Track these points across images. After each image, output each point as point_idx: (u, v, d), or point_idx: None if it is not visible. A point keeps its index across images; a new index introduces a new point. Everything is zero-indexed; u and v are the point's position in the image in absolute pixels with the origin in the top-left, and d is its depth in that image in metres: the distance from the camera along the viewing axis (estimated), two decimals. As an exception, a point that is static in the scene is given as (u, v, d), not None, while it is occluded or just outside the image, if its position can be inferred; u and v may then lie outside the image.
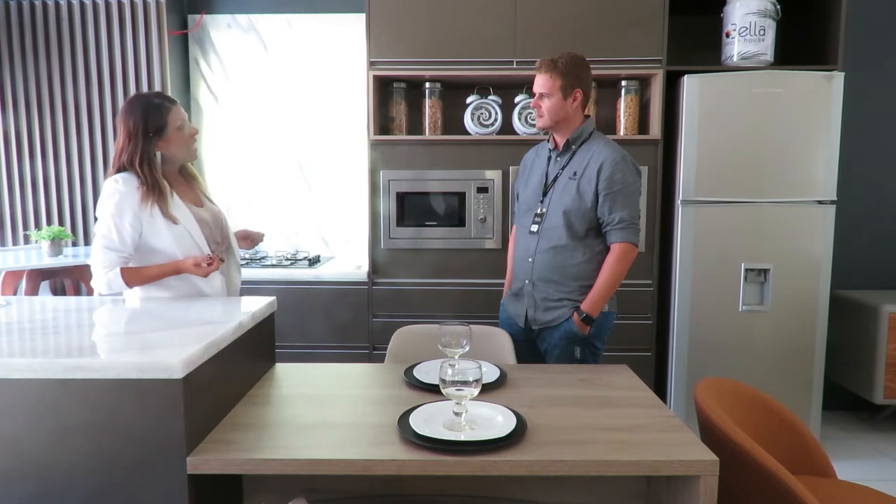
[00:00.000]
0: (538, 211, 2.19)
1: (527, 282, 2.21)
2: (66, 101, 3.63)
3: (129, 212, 1.87)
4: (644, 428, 1.43)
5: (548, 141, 2.27)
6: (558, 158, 2.21)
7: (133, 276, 1.90)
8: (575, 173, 2.13)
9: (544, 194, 2.19)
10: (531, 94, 2.20)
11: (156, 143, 1.92)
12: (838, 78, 2.87)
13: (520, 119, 3.08)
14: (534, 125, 3.03)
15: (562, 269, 2.14)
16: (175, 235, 1.93)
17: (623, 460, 1.27)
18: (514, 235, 2.40)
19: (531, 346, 2.25)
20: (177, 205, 1.95)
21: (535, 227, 2.19)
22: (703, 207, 2.96)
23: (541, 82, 2.13)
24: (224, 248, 2.14)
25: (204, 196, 2.13)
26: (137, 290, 1.97)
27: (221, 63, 3.68)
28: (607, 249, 2.13)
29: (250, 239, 2.33)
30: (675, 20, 3.06)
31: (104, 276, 1.87)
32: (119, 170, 1.92)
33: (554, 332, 2.16)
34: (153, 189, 1.88)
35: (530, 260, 2.20)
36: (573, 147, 2.18)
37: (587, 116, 2.21)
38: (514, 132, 3.11)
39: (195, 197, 2.09)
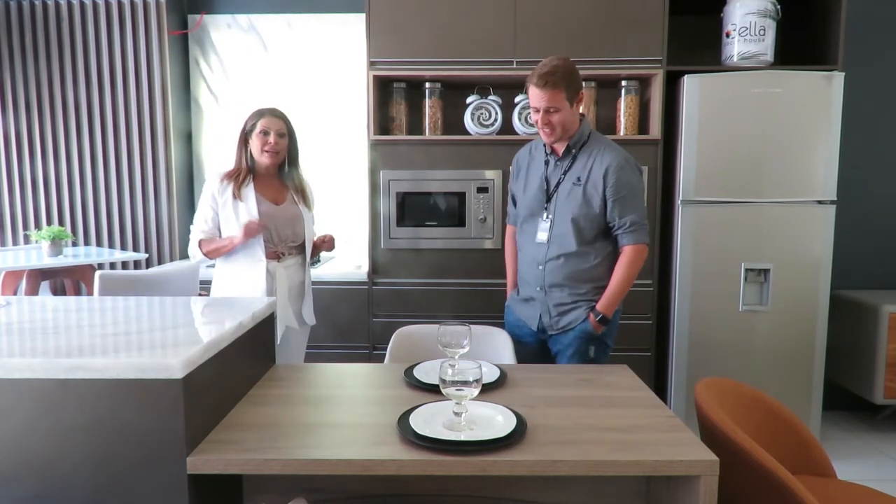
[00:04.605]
0: (544, 217, 2.16)
1: (538, 289, 2.19)
2: (66, 101, 3.63)
3: (210, 196, 2.32)
4: (644, 428, 1.43)
5: (544, 145, 2.21)
6: (558, 163, 2.16)
7: (206, 245, 2.33)
8: (579, 178, 2.10)
9: (548, 200, 2.16)
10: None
11: (248, 140, 2.36)
12: (838, 78, 2.87)
13: (520, 119, 3.08)
14: (534, 125, 3.03)
15: (574, 274, 2.13)
16: (237, 214, 2.29)
17: (623, 460, 1.27)
18: (511, 236, 2.38)
19: (542, 346, 2.24)
20: (248, 190, 2.32)
21: (543, 236, 2.16)
22: (703, 207, 2.96)
23: (546, 97, 2.02)
24: (290, 247, 2.39)
25: (292, 199, 2.41)
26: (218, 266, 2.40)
27: (221, 63, 3.68)
28: (617, 249, 2.14)
29: (326, 243, 2.51)
30: (675, 20, 3.06)
31: (191, 245, 2.35)
32: None
33: (569, 332, 2.15)
34: (234, 172, 2.34)
35: (540, 268, 2.17)
36: (573, 151, 2.14)
37: (582, 116, 2.18)
38: (514, 132, 3.11)
39: (277, 196, 2.39)
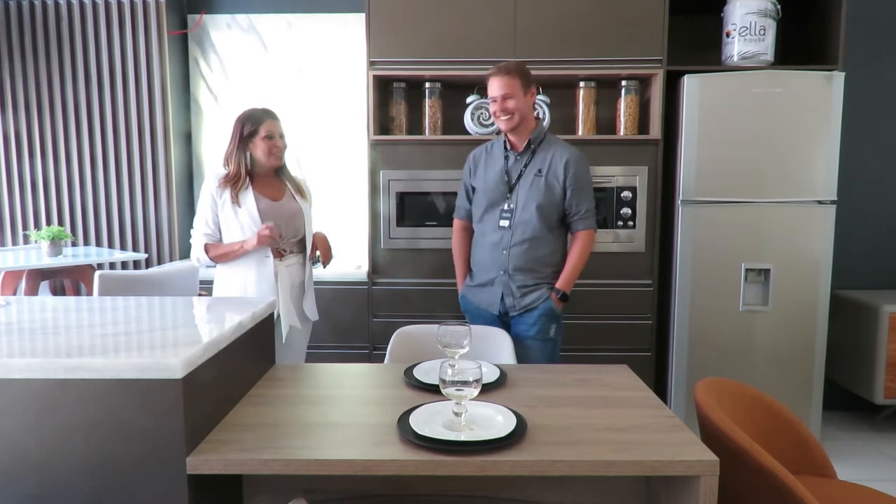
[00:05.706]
0: (506, 207, 2.34)
1: (501, 272, 2.35)
2: (66, 101, 3.63)
3: (210, 198, 2.31)
4: (644, 428, 1.43)
5: (504, 143, 2.38)
6: (518, 157, 2.36)
7: (214, 250, 2.32)
8: (540, 170, 2.31)
9: (510, 191, 2.33)
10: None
11: (248, 145, 2.32)
12: (838, 78, 2.87)
13: (520, 119, 3.09)
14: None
15: (537, 258, 2.33)
16: (237, 216, 2.29)
17: (623, 460, 1.27)
18: (458, 230, 2.53)
19: (505, 330, 2.34)
20: (247, 194, 2.30)
21: (505, 222, 2.33)
22: (703, 207, 2.96)
23: (503, 84, 2.26)
24: (291, 243, 2.39)
25: (290, 195, 2.40)
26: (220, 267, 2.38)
27: (221, 63, 3.68)
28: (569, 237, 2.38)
29: (321, 253, 2.49)
30: (675, 20, 3.06)
31: (195, 250, 2.33)
32: (225, 165, 2.35)
33: (532, 312, 2.31)
34: (233, 177, 2.30)
35: (505, 252, 2.34)
36: (533, 146, 2.34)
37: (538, 119, 2.40)
38: (514, 132, 3.11)
39: (275, 193, 2.38)
